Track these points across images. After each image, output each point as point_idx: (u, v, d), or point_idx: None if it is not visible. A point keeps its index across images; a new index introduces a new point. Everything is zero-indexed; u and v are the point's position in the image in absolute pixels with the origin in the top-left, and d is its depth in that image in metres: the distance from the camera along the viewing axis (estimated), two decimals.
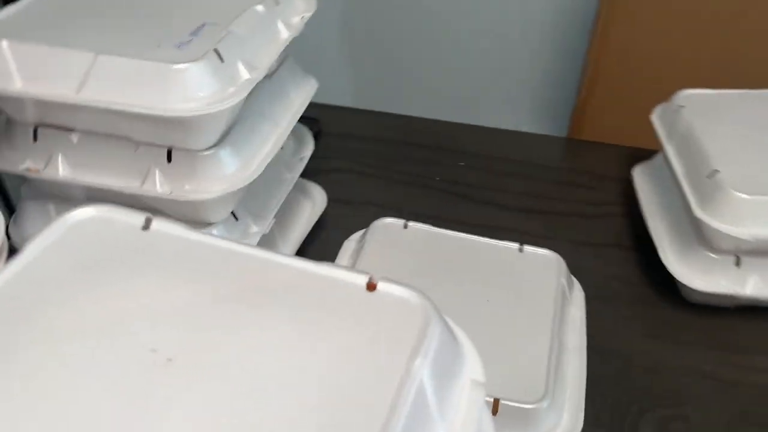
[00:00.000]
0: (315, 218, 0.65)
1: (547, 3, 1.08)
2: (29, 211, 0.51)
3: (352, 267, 0.55)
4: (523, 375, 0.44)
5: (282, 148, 0.58)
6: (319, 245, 0.65)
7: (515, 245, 0.58)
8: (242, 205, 0.52)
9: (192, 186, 0.45)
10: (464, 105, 1.18)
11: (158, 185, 0.46)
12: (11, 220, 0.52)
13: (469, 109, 1.13)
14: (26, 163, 0.47)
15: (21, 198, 0.51)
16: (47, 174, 0.47)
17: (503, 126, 0.85)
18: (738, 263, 0.57)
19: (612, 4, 0.82)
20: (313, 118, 0.85)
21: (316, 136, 0.83)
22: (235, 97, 0.42)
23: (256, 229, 0.52)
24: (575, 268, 0.58)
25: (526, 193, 0.75)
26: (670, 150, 0.63)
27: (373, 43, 1.23)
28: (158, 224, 0.28)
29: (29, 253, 0.27)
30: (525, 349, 0.46)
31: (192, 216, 0.48)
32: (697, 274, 0.58)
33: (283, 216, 0.61)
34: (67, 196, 0.50)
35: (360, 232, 0.61)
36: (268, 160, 0.48)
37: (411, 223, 0.59)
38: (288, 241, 0.60)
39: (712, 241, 0.56)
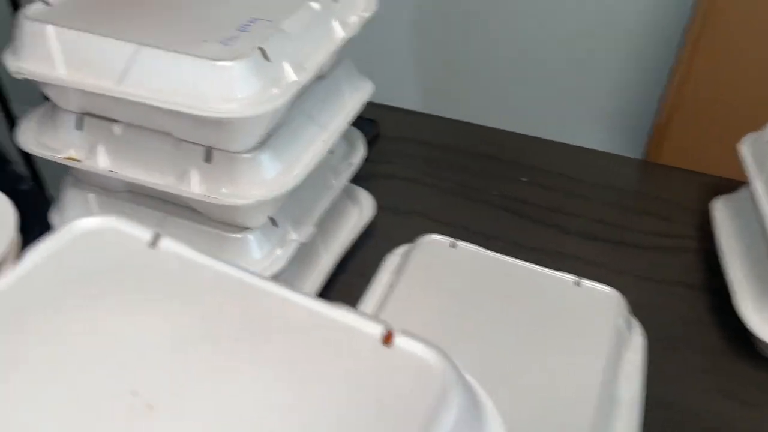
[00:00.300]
0: (361, 227, 0.62)
1: (634, 12, 1.01)
2: (71, 198, 0.50)
3: (392, 286, 0.52)
4: None
5: (331, 152, 0.56)
6: (361, 256, 0.62)
7: (571, 278, 0.53)
8: (282, 211, 0.49)
9: (229, 189, 0.43)
10: (532, 116, 1.13)
11: (195, 185, 0.44)
12: (54, 206, 0.51)
13: (536, 120, 1.07)
14: (69, 151, 0.46)
15: (63, 185, 0.50)
16: (88, 164, 0.45)
17: (573, 141, 0.80)
18: None
19: (704, 22, 0.75)
20: (371, 119, 0.82)
21: (374, 139, 0.80)
22: (278, 99, 0.40)
23: (295, 237, 0.50)
24: (637, 306, 0.53)
25: (591, 218, 0.69)
26: (758, 186, 0.56)
27: (442, 45, 1.19)
28: (166, 243, 0.26)
29: (28, 262, 0.25)
30: (569, 401, 0.41)
31: (228, 219, 0.46)
32: None
33: (327, 222, 0.58)
34: (107, 187, 0.49)
35: (405, 247, 0.58)
36: (311, 166, 0.46)
37: (459, 243, 0.56)
38: (329, 249, 0.58)
39: None
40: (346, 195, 0.63)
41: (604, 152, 0.79)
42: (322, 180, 0.55)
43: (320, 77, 0.50)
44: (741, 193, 0.63)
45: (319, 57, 0.44)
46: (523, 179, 0.75)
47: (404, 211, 0.70)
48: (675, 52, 0.85)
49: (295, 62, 0.42)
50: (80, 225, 0.26)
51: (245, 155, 0.43)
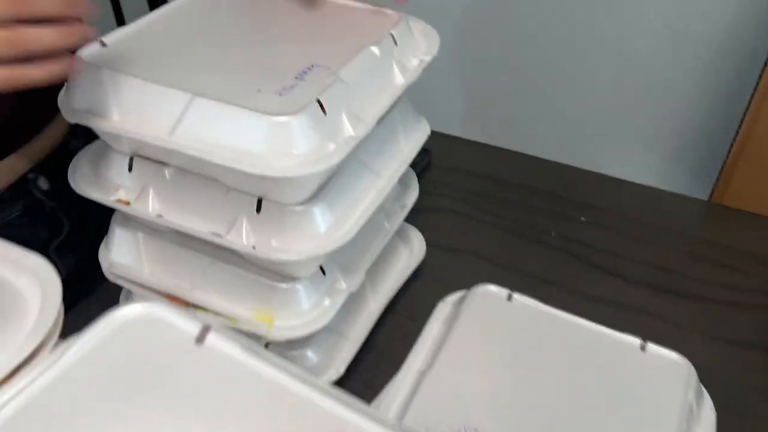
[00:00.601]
0: (411, 268, 0.60)
1: (707, 51, 0.96)
2: (119, 237, 0.49)
3: (443, 339, 0.50)
4: None
5: None
6: (410, 296, 0.60)
7: (636, 341, 0.49)
8: (332, 258, 0.47)
9: (279, 242, 0.41)
10: (592, 149, 1.08)
11: (244, 236, 0.42)
12: (102, 244, 0.50)
13: (597, 154, 1.02)
14: (118, 193, 0.45)
15: (112, 221, 0.50)
16: (137, 207, 0.44)
17: (635, 179, 0.76)
18: None
19: None
20: (423, 148, 0.80)
21: (425, 169, 0.77)
22: (334, 156, 0.38)
23: (344, 287, 0.48)
24: (705, 371, 0.49)
25: (656, 265, 0.65)
26: None
27: (498, 69, 1.15)
28: (214, 338, 0.24)
29: (72, 355, 0.23)
30: None
31: (276, 268, 0.45)
32: None
33: (376, 263, 0.56)
34: (155, 227, 0.48)
35: (457, 295, 0.55)
36: (366, 218, 0.44)
37: (516, 296, 0.53)
38: (378, 293, 0.56)
39: None
40: (395, 233, 0.61)
41: (668, 192, 0.75)
42: (373, 224, 0.52)
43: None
44: None
45: (378, 108, 0.42)
46: (583, 219, 0.71)
47: (455, 248, 0.67)
48: (749, 89, 0.80)
49: (353, 114, 0.40)
50: (124, 313, 0.25)
51: (297, 207, 0.41)
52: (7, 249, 0.30)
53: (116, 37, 0.44)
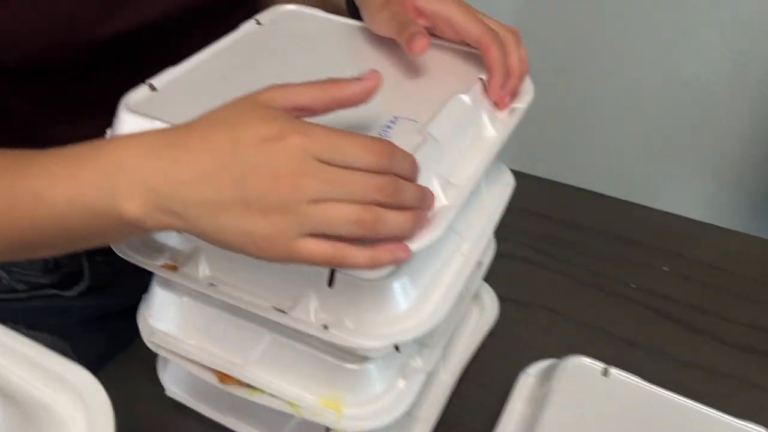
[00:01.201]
0: (484, 331, 0.53)
1: None
2: (161, 300, 0.43)
3: (532, 420, 0.43)
4: None
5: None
6: (484, 366, 0.53)
7: (758, 430, 0.42)
8: None
9: (354, 323, 0.35)
10: (670, 189, 1.01)
11: (312, 314, 0.36)
12: (142, 305, 0.44)
13: (676, 194, 0.95)
14: (164, 256, 0.39)
15: (153, 281, 0.44)
16: (185, 273, 0.38)
17: (724, 223, 0.68)
18: None
19: None
20: None
21: None
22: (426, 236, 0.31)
23: (421, 365, 0.41)
24: None
25: (750, 323, 0.58)
26: None
27: (553, 101, 1.09)
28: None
29: None
30: None
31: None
32: None
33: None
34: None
35: (541, 365, 0.48)
36: (456, 290, 0.37)
37: (613, 371, 0.46)
38: (449, 362, 0.49)
39: None
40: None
41: (757, 237, 0.68)
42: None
43: None
44: None
45: (472, 169, 0.35)
46: (665, 268, 0.64)
47: (528, 302, 0.60)
48: None
49: (445, 178, 0.34)
50: None
51: (375, 282, 0.35)
52: (45, 357, 0.24)
53: (166, 79, 0.38)
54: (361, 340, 0.34)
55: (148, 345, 0.44)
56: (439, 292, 0.37)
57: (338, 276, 0.35)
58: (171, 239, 0.39)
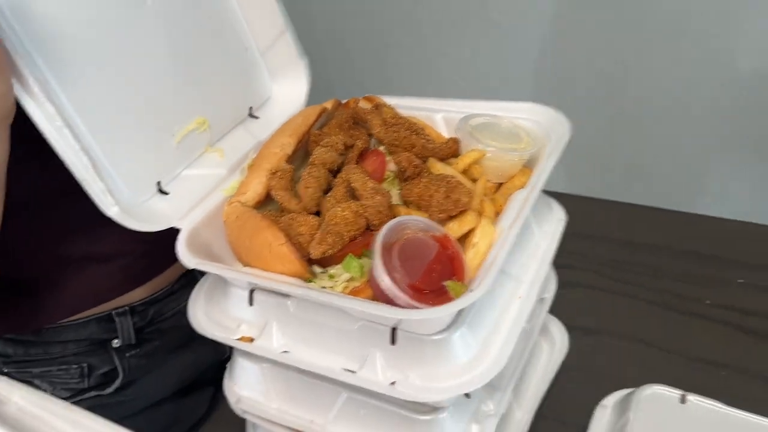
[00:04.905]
0: (556, 365, 0.53)
1: None
2: (243, 369, 0.46)
3: None
4: None
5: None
6: (559, 400, 0.53)
7: None
8: None
9: (419, 377, 0.37)
10: (736, 194, 0.98)
11: (379, 372, 0.38)
12: (226, 375, 0.48)
13: (747, 200, 0.92)
14: (241, 329, 0.42)
15: (234, 352, 0.47)
16: (261, 345, 0.41)
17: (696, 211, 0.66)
18: None
19: None
20: None
21: None
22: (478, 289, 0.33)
23: (492, 408, 0.42)
24: None
25: None
26: None
27: (607, 113, 1.08)
28: None
29: None
30: None
31: None
32: None
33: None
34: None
35: (617, 396, 0.48)
36: (515, 335, 0.38)
37: (691, 398, 0.45)
38: (523, 399, 0.49)
39: None
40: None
41: None
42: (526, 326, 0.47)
43: None
44: None
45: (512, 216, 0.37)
46: (740, 281, 0.62)
47: (598, 329, 0.60)
48: None
49: None
50: None
51: (435, 336, 0.36)
52: None
53: None
54: (426, 394, 0.36)
55: (236, 411, 0.47)
56: (499, 338, 0.38)
57: (399, 333, 0.37)
58: (246, 313, 0.42)
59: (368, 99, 0.49)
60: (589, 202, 0.75)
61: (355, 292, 0.37)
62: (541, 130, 0.44)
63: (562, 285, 0.64)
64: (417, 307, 0.34)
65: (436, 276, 0.35)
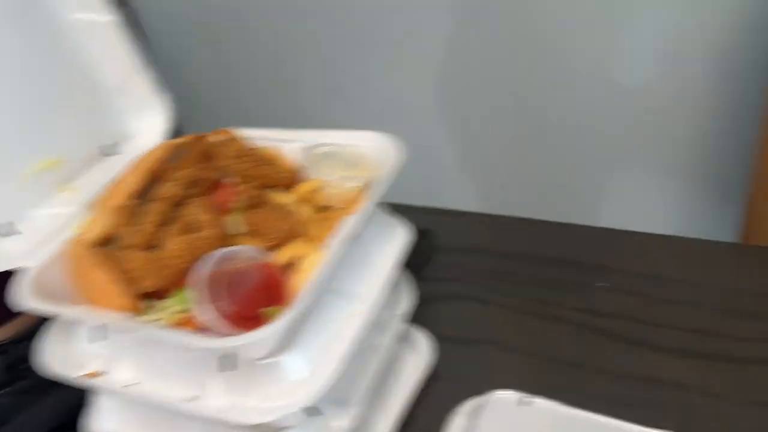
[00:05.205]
0: (418, 375, 0.55)
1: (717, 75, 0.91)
2: (98, 404, 0.47)
3: None
4: None
5: None
6: (426, 404, 0.55)
7: None
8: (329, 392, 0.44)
9: (254, 400, 0.38)
10: (600, 202, 1.03)
11: (215, 399, 0.39)
12: (82, 413, 0.48)
13: (607, 207, 0.97)
14: (87, 366, 0.42)
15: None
16: (105, 380, 0.42)
17: (654, 229, 0.71)
18: None
19: None
20: (424, 230, 0.76)
21: (429, 254, 0.74)
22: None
23: (343, 424, 0.44)
24: None
25: (687, 328, 0.60)
26: None
27: (495, 136, 1.12)
28: None
29: None
30: None
31: None
32: None
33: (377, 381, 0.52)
34: None
35: (472, 403, 0.51)
36: (352, 353, 0.40)
37: (535, 400, 0.48)
38: (385, 412, 0.51)
39: None
40: (401, 339, 0.57)
41: (691, 239, 0.70)
42: (365, 345, 0.49)
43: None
44: None
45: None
46: (599, 284, 0.66)
47: (471, 340, 0.62)
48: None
49: None
50: None
51: (265, 360, 0.38)
52: None
53: None
54: (260, 416, 0.38)
55: None
56: (333, 356, 0.40)
57: (232, 359, 0.39)
58: (92, 349, 0.43)
59: (221, 132, 0.51)
60: (473, 217, 0.78)
61: (182, 323, 0.38)
62: (381, 156, 0.47)
63: (442, 298, 0.68)
64: (236, 335, 0.35)
65: (260, 303, 0.37)
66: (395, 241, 0.48)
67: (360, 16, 1.14)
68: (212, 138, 0.50)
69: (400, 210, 0.80)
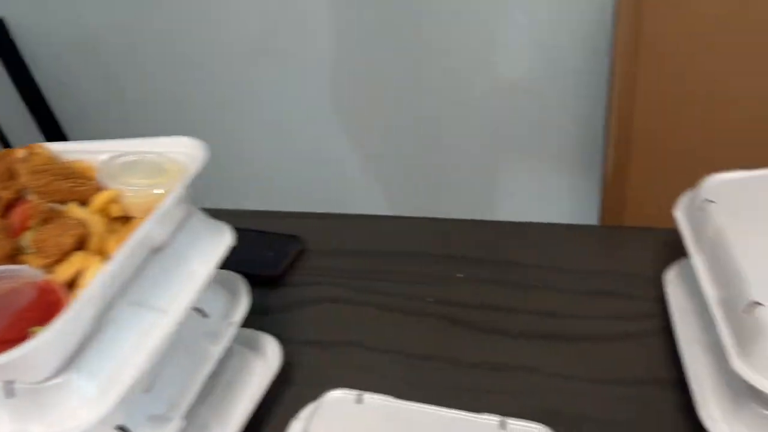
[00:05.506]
0: (266, 382, 0.54)
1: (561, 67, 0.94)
2: None
3: None
4: None
5: (205, 315, 0.49)
6: (284, 409, 0.54)
7: (495, 419, 0.45)
8: (136, 409, 0.42)
9: (42, 425, 0.37)
10: (499, 195, 1.04)
11: (5, 426, 0.37)
12: None
13: (505, 201, 0.98)
14: None
15: None
16: None
17: (510, 216, 0.72)
18: None
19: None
20: (292, 235, 0.75)
21: (298, 257, 0.73)
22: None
23: None
24: (605, 424, 0.45)
25: (539, 311, 0.61)
26: (698, 263, 0.47)
27: (353, 136, 1.13)
28: None
29: None
30: None
31: None
32: None
33: (221, 389, 0.51)
34: None
35: (311, 406, 0.50)
36: (148, 365, 0.39)
37: (367, 396, 0.48)
38: (226, 425, 0.50)
39: (764, 401, 0.40)
40: (247, 346, 0.56)
41: (551, 224, 0.71)
42: (195, 352, 0.48)
43: (153, 250, 0.44)
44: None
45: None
46: (459, 275, 0.67)
47: (334, 341, 0.62)
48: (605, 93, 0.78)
49: None
50: None
51: (49, 383, 0.37)
52: None
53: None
54: None
55: None
56: (128, 373, 0.38)
57: (15, 385, 0.37)
58: None
59: (27, 148, 0.49)
60: (339, 218, 0.78)
61: None
62: (188, 160, 0.46)
63: (310, 302, 0.67)
64: None
65: (32, 323, 0.35)
66: (212, 248, 0.47)
67: (247, 29, 1.13)
68: (20, 153, 0.48)
69: (267, 216, 0.80)
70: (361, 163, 1.17)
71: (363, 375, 0.58)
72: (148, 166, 0.45)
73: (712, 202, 0.48)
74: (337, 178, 1.19)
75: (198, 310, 0.49)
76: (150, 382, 0.43)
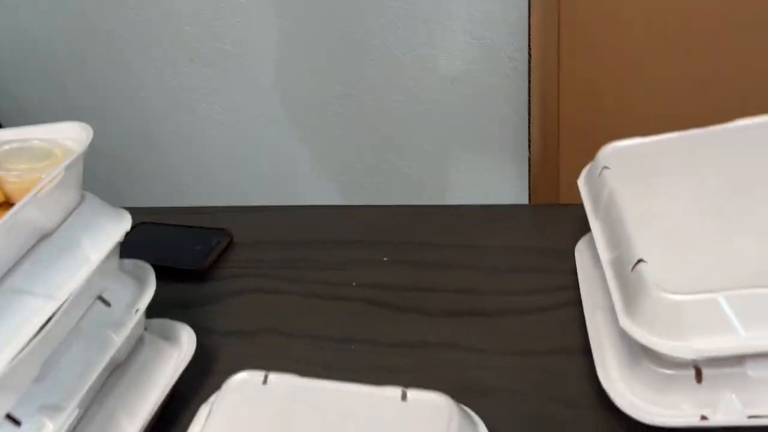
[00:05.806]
0: (179, 372, 0.54)
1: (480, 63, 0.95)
2: None
3: None
4: None
5: (108, 304, 0.49)
6: (187, 408, 0.53)
7: (397, 391, 0.44)
8: (29, 399, 0.41)
9: None
10: (447, 184, 1.05)
11: None
12: None
13: (452, 188, 0.99)
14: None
15: None
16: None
17: (438, 200, 0.72)
18: (700, 379, 0.41)
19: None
20: (220, 228, 0.75)
21: (226, 250, 0.72)
22: None
23: (52, 428, 0.42)
24: (510, 394, 0.45)
25: (458, 289, 0.61)
26: (596, 228, 0.48)
27: (301, 134, 1.13)
28: None
29: None
30: None
31: None
32: (648, 395, 0.42)
33: (129, 379, 0.50)
34: None
35: (218, 392, 0.49)
36: (23, 352, 0.38)
37: (272, 376, 0.47)
38: (135, 415, 0.49)
39: (654, 357, 0.41)
40: (161, 336, 0.56)
41: (464, 206, 0.71)
42: (95, 342, 0.47)
43: (45, 236, 0.43)
44: None
45: None
46: (385, 259, 0.67)
47: (255, 330, 0.61)
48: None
49: None
50: None
51: None
52: None
53: None
54: None
55: None
56: (1, 358, 0.38)
57: None
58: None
59: None
60: (267, 210, 0.78)
61: None
62: (76, 144, 0.45)
63: (234, 294, 0.66)
64: None
65: None
66: (107, 233, 0.46)
67: (191, 28, 1.13)
68: None
69: (200, 212, 0.79)
70: (311, 159, 1.17)
71: (282, 361, 0.57)
72: (34, 152, 0.44)
73: (607, 168, 0.48)
74: (288, 174, 1.18)
75: (101, 299, 0.48)
76: (42, 371, 0.42)
